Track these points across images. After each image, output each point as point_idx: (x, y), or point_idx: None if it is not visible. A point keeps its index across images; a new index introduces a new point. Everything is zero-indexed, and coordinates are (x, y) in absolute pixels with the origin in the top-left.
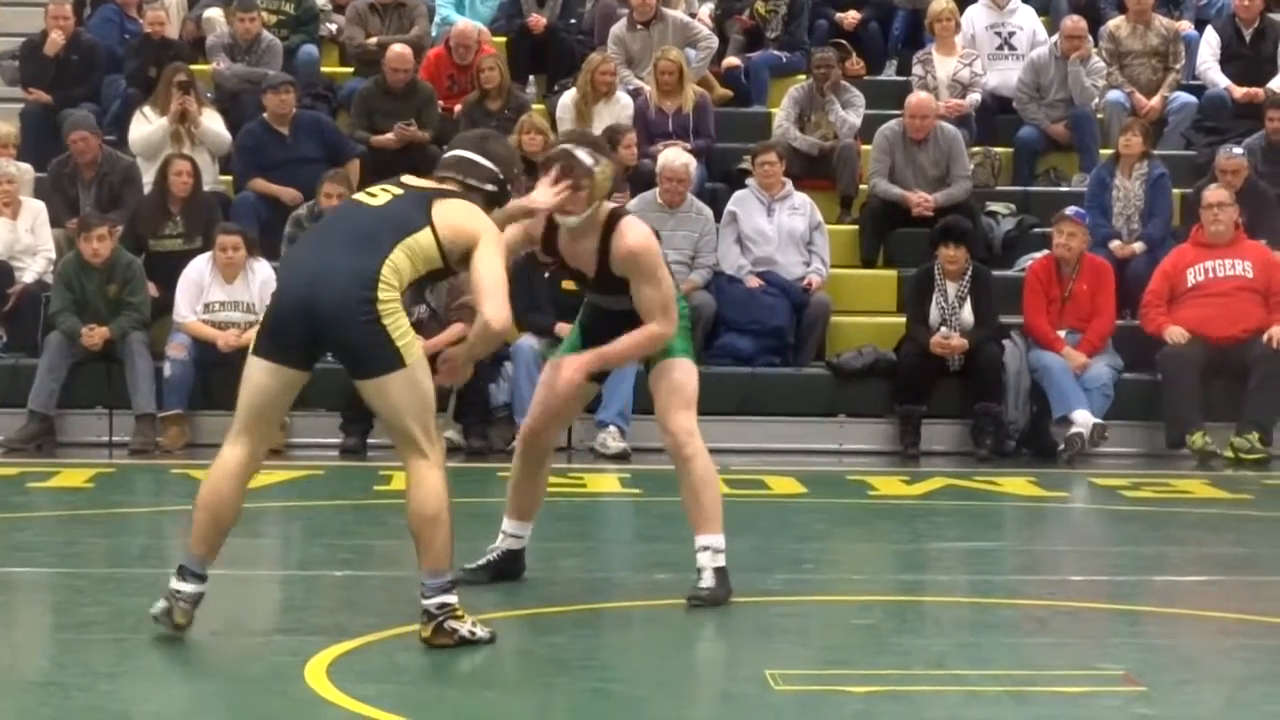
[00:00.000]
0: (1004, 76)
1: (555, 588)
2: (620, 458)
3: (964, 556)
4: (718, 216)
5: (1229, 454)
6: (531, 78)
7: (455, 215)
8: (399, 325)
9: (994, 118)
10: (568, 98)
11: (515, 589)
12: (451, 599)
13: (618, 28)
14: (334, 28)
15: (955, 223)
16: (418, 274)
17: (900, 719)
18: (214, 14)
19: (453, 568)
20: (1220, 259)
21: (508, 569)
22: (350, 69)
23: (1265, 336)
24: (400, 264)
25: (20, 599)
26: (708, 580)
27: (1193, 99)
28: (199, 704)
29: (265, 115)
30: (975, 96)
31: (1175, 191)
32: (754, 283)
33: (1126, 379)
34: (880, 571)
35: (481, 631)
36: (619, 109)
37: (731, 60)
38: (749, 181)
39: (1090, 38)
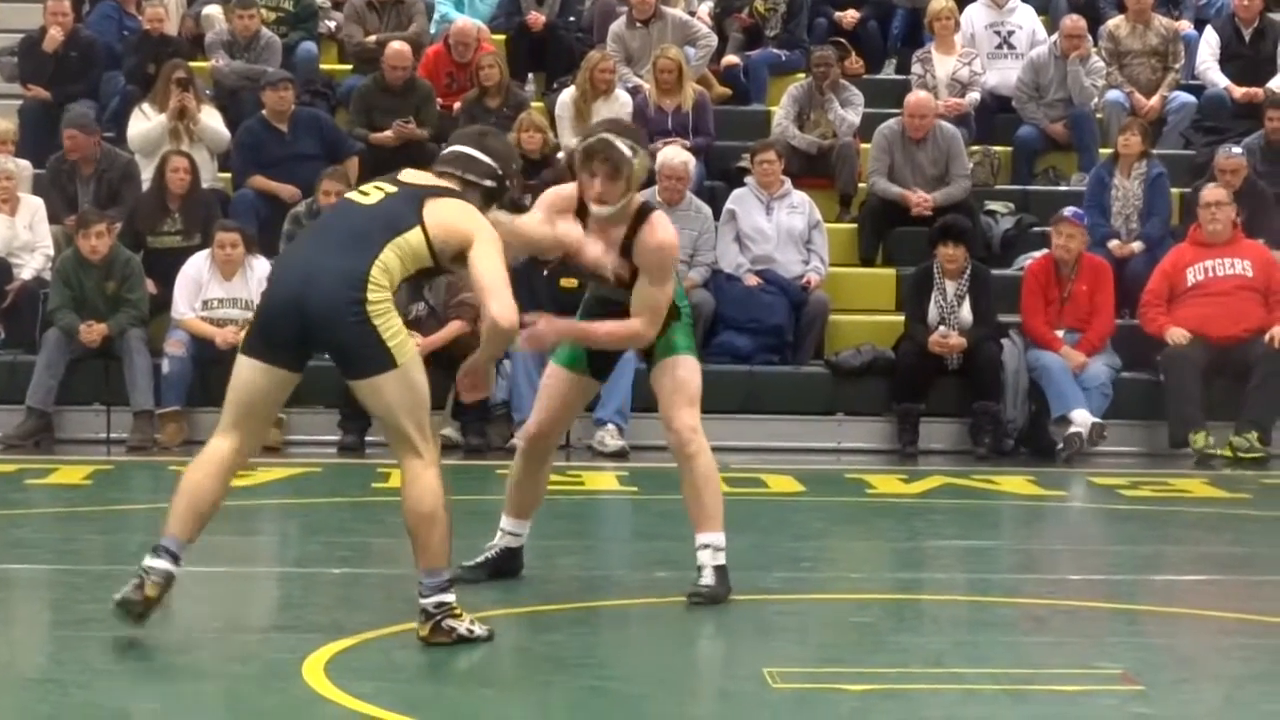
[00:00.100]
0: (1003, 75)
1: (553, 585)
2: (618, 455)
3: (962, 555)
4: (717, 215)
5: (1227, 453)
6: (530, 75)
7: (447, 214)
8: (390, 325)
9: (993, 117)
10: (567, 95)
11: (513, 587)
12: (449, 598)
13: (617, 25)
14: (333, 25)
15: (954, 222)
16: (408, 273)
17: (897, 717)
18: (213, 11)
19: (450, 566)
20: (1220, 258)
21: (505, 567)
22: (349, 66)
23: (1267, 336)
24: (390, 263)
25: (18, 596)
26: (708, 578)
27: (1192, 99)
28: (196, 701)
29: (264, 112)
30: (974, 95)
31: (1174, 191)
32: (753, 281)
33: (1125, 378)
34: (878, 570)
35: (480, 629)
36: (618, 107)
37: (730, 58)
38: (748, 180)
39: (1090, 37)
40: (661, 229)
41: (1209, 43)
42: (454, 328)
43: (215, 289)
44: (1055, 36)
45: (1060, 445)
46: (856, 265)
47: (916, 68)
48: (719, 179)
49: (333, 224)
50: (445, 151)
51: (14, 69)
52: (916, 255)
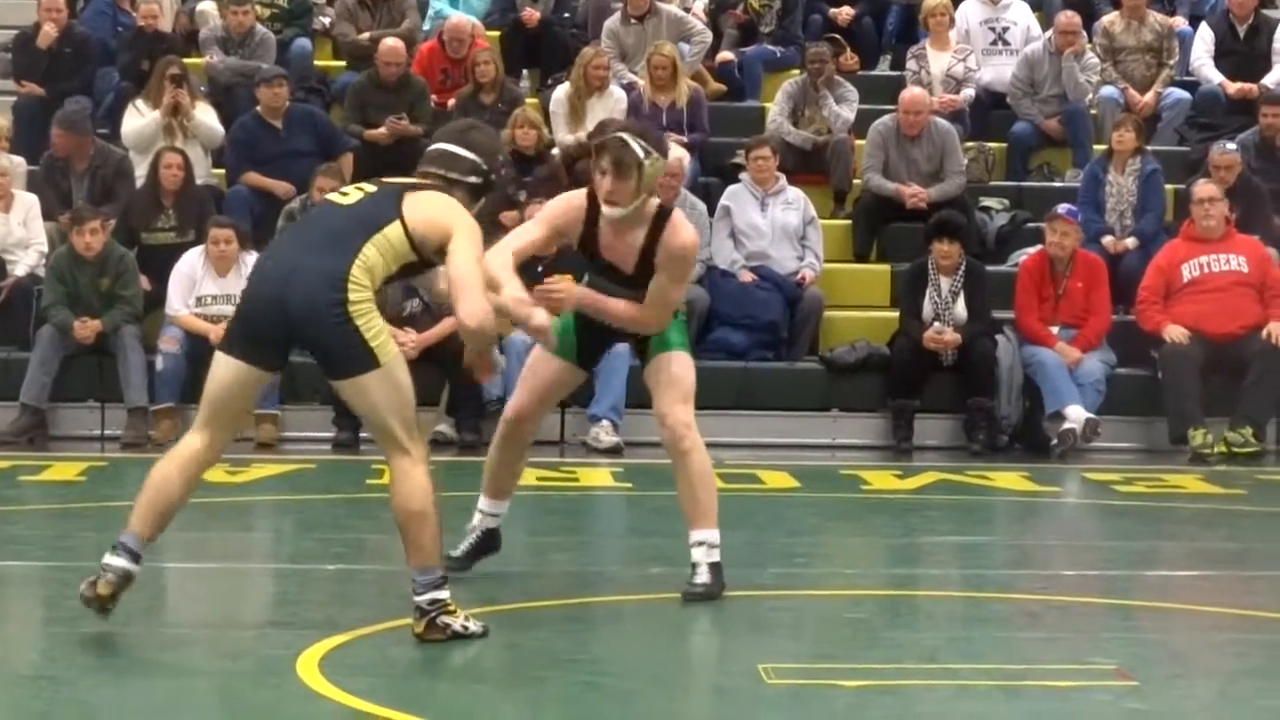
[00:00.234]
0: (998, 72)
1: (547, 582)
2: (613, 452)
3: (956, 551)
4: (711, 211)
5: (1222, 448)
6: (525, 72)
7: (427, 207)
8: (372, 325)
9: (988, 113)
10: (561, 92)
11: (507, 582)
12: (443, 594)
13: (611, 22)
14: (327, 21)
15: (949, 218)
16: (390, 270)
17: (892, 713)
18: (207, 7)
19: (442, 562)
20: (1215, 254)
21: (487, 546)
22: (343, 63)
23: (1265, 333)
24: (372, 262)
25: (11, 593)
26: (703, 576)
27: (1186, 95)
28: (191, 697)
29: (258, 108)
30: (969, 92)
31: (1169, 187)
32: (747, 277)
33: (1119, 374)
34: (873, 566)
35: (474, 626)
36: (612, 103)
37: (725, 55)
38: (742, 176)
39: (1084, 33)
40: (685, 230)
41: (1203, 39)
42: (449, 324)
43: (209, 285)
44: (1050, 32)
45: (1054, 441)
46: (851, 261)
47: (911, 64)
48: (714, 175)
49: (313, 224)
50: (429, 150)
51: (8, 65)
52: (911, 251)
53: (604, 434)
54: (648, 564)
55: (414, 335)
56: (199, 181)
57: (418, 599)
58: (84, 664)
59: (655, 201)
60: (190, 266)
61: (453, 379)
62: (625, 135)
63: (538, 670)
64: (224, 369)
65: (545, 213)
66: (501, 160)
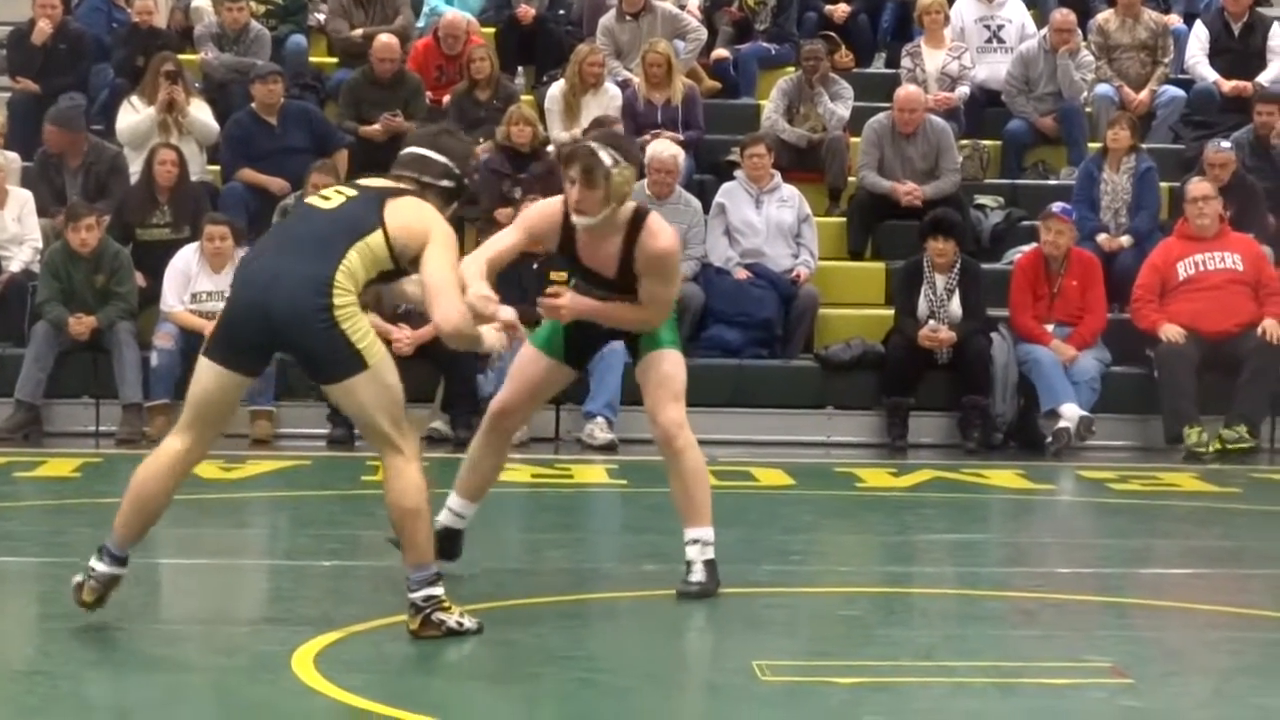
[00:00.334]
0: (993, 69)
1: (542, 578)
2: (608, 449)
3: (951, 548)
4: (706, 208)
5: (1216, 445)
6: (520, 68)
7: (407, 215)
8: (358, 328)
9: (982, 111)
10: (556, 89)
11: (502, 579)
12: (438, 590)
13: (606, 19)
14: (322, 17)
15: (944, 215)
16: (370, 276)
17: (887, 710)
18: (202, 3)
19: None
20: (1209, 252)
21: (446, 549)
22: (338, 60)
23: (1260, 329)
24: (354, 267)
25: (7, 588)
26: (698, 574)
27: (1181, 93)
28: (186, 693)
29: (253, 105)
30: (964, 89)
31: (1163, 185)
32: (742, 275)
33: (1114, 372)
34: (867, 563)
35: (469, 622)
36: (607, 100)
37: (720, 52)
38: (737, 173)
39: (1079, 31)
40: (663, 235)
41: (1198, 37)
42: None
43: (204, 282)
44: (1045, 30)
45: (1049, 439)
46: (846, 259)
47: (906, 61)
48: (708, 172)
49: (295, 229)
50: (401, 154)
51: (2, 61)
52: (906, 249)
53: (599, 431)
54: (643, 561)
55: (408, 332)
56: (194, 178)
57: (412, 595)
58: (79, 659)
59: (630, 207)
60: (185, 263)
61: (448, 376)
62: (594, 144)
63: (533, 667)
64: (207, 375)
65: (522, 219)
66: (473, 164)
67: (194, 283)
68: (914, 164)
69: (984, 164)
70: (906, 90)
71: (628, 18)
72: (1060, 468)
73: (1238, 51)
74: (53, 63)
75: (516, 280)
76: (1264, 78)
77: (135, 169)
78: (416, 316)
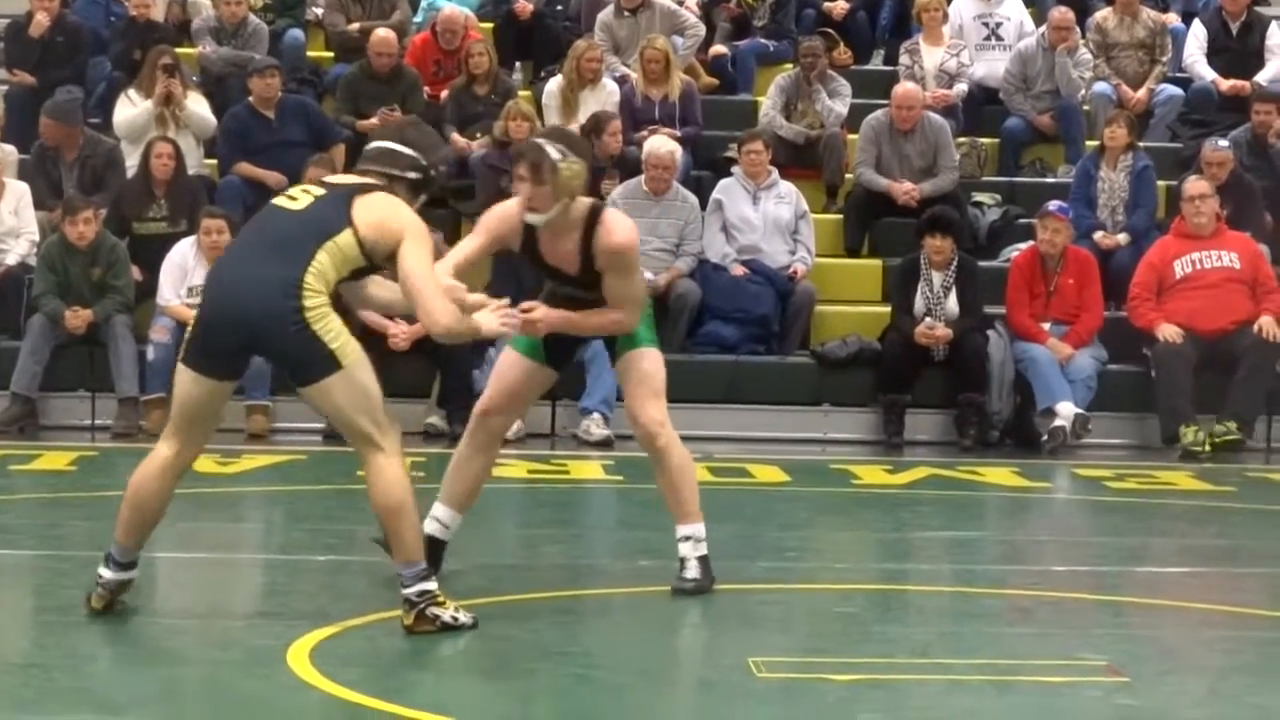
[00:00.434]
0: (991, 67)
1: (538, 574)
2: (603, 445)
3: (947, 546)
4: (703, 204)
5: (1209, 442)
6: (518, 64)
7: (377, 212)
8: (330, 328)
9: (980, 108)
10: (554, 84)
11: (498, 575)
12: (431, 585)
13: (605, 14)
14: (320, 12)
15: (942, 213)
16: (342, 275)
17: (883, 707)
18: None
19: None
20: (1207, 250)
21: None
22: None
23: (1256, 326)
24: (325, 268)
25: (2, 582)
26: (692, 571)
27: (1179, 91)
28: (181, 687)
29: (251, 99)
30: (962, 87)
31: (1160, 184)
32: (739, 271)
33: (1111, 370)
34: (863, 560)
35: (464, 617)
36: (605, 96)
37: (718, 48)
38: (735, 170)
39: (1078, 29)
40: (619, 230)
41: (1196, 36)
42: None
43: (201, 276)
44: (1043, 28)
45: (1045, 437)
46: (843, 256)
47: (904, 59)
48: (706, 169)
49: (263, 231)
50: (368, 149)
51: (0, 54)
52: (903, 246)
53: (595, 427)
54: (638, 557)
55: (404, 327)
56: (191, 172)
57: (406, 592)
58: (75, 652)
59: (586, 203)
60: (182, 257)
61: (444, 371)
62: (541, 141)
63: (528, 662)
64: (186, 382)
65: (483, 222)
66: (440, 156)
67: (190, 276)
68: (912, 161)
69: (981, 161)
70: (905, 87)
71: (626, 13)
72: (1056, 466)
73: (1236, 50)
74: (50, 56)
75: (515, 277)
76: (1262, 77)
77: (132, 163)
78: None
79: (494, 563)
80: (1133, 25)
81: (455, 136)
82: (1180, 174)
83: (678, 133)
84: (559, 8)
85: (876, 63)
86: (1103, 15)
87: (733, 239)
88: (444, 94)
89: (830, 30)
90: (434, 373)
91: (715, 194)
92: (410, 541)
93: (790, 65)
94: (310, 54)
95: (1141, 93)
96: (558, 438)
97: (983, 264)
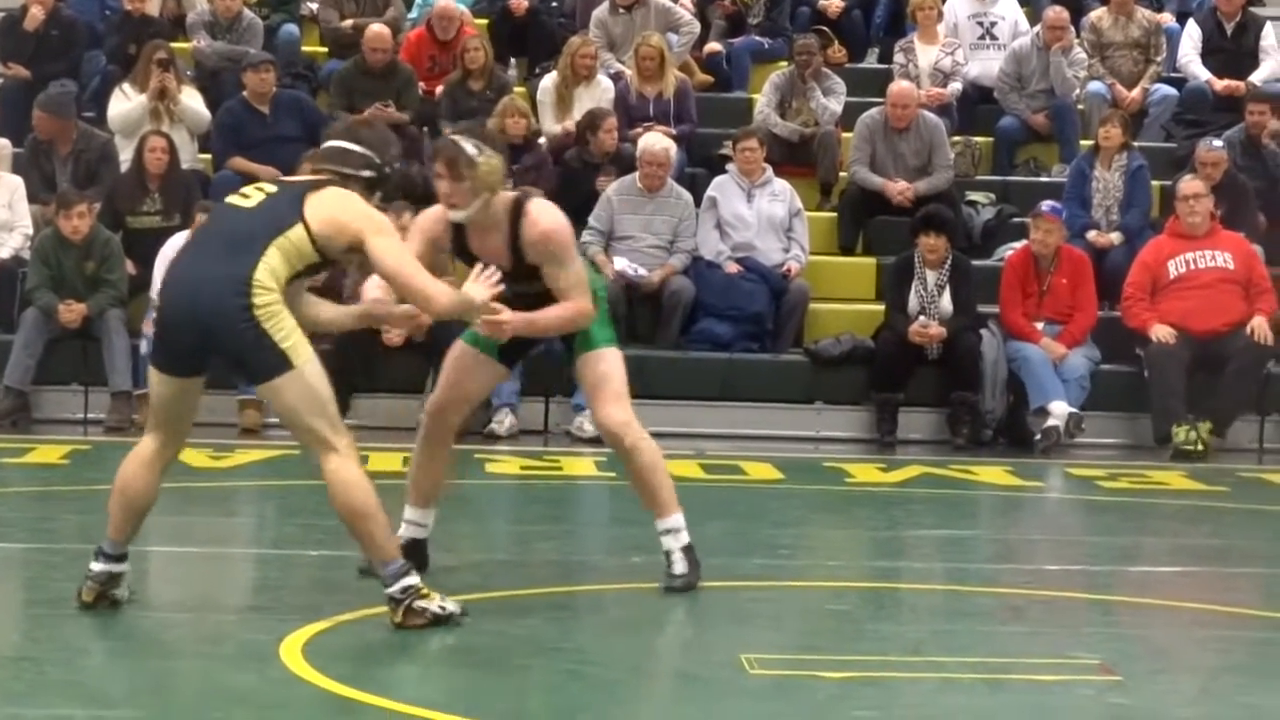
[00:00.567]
0: (985, 66)
1: (531, 570)
2: (596, 441)
3: (940, 544)
4: (697, 202)
5: (1199, 444)
6: (513, 60)
7: (329, 208)
8: (281, 327)
9: (975, 107)
10: (548, 81)
11: (491, 571)
12: (414, 580)
13: (599, 11)
14: (314, 7)
15: (937, 211)
16: (295, 271)
17: (875, 704)
18: None
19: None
20: (1201, 250)
21: (414, 561)
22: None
23: (1248, 328)
24: (276, 265)
25: None
26: (679, 566)
27: (1173, 91)
28: (173, 681)
29: (245, 94)
30: (956, 86)
31: (1155, 183)
32: (733, 268)
33: (1104, 370)
34: (856, 558)
35: (452, 606)
36: (599, 93)
37: (713, 45)
38: (729, 167)
39: (1072, 29)
40: (543, 218)
41: (1191, 36)
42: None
43: None
44: (1038, 28)
45: (1038, 436)
46: (837, 254)
47: (899, 57)
48: (700, 166)
49: (215, 230)
50: (320, 149)
51: None
52: (897, 245)
53: (588, 423)
54: (631, 553)
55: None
56: (185, 166)
57: (389, 590)
58: (67, 645)
59: (508, 196)
60: (175, 251)
61: (437, 366)
62: (456, 137)
63: (522, 658)
64: (156, 381)
65: (415, 225)
66: (393, 153)
67: None
68: (906, 160)
69: (976, 160)
70: (899, 86)
71: (620, 10)
72: (1049, 465)
73: (1230, 51)
74: (44, 49)
75: None
76: (1256, 77)
77: (126, 157)
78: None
79: (487, 559)
80: (1127, 25)
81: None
82: (1174, 174)
83: (672, 130)
84: (554, 4)
85: (871, 61)
86: (1097, 15)
87: (727, 236)
88: (439, 89)
89: (825, 28)
90: (427, 368)
91: (710, 191)
92: (382, 541)
93: (785, 63)
94: (305, 49)
95: (1136, 92)
96: (551, 434)
97: (976, 263)
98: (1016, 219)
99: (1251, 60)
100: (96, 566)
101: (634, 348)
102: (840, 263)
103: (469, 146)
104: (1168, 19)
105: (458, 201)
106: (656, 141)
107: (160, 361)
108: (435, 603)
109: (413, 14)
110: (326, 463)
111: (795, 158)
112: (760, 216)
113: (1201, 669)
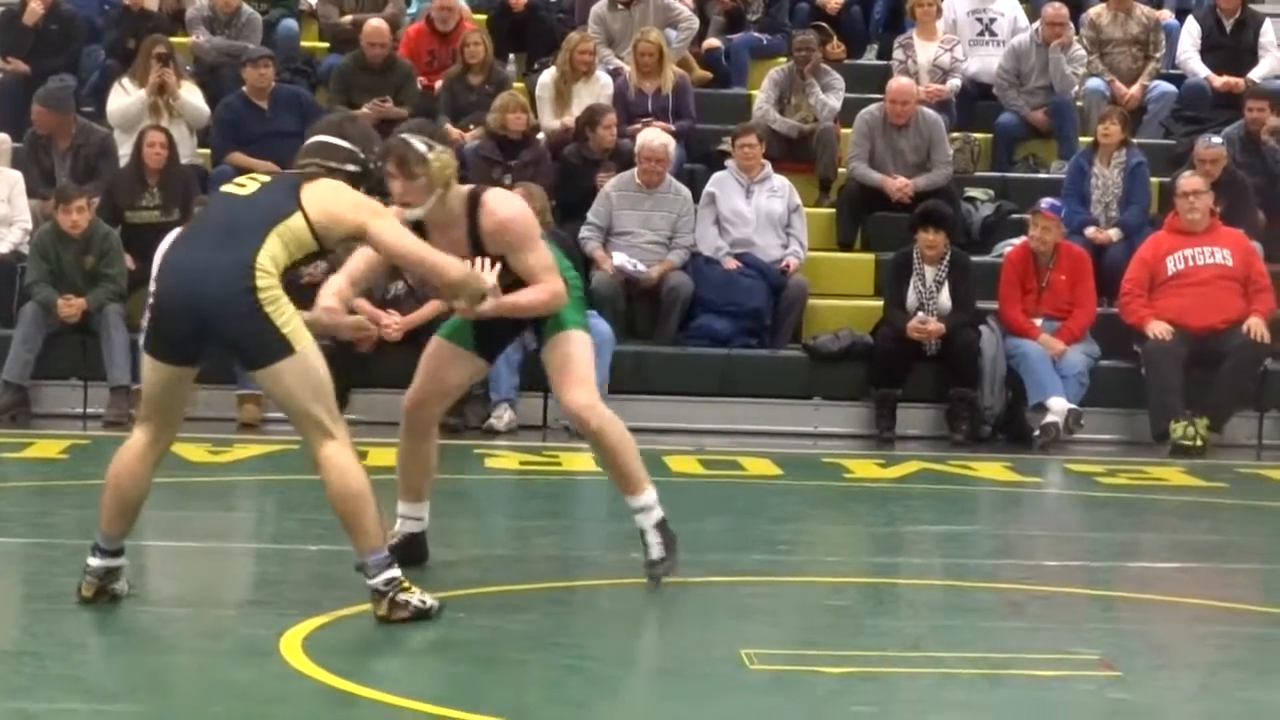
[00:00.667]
0: (984, 62)
1: (529, 565)
2: None
3: (939, 540)
4: (696, 197)
5: (1198, 440)
6: (511, 56)
7: (326, 197)
8: (282, 312)
9: (974, 104)
10: (547, 77)
11: (490, 566)
12: (396, 572)
13: (598, 7)
14: (314, 2)
15: (936, 207)
16: (293, 259)
17: (875, 700)
18: None
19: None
20: (1200, 247)
21: (410, 554)
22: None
23: (1245, 327)
24: (275, 251)
25: None
26: (655, 550)
27: (1172, 88)
28: (173, 675)
29: (244, 89)
30: (955, 82)
31: (1154, 180)
32: (732, 264)
33: (1103, 366)
34: (855, 554)
35: (430, 600)
36: (598, 89)
37: (712, 41)
38: (728, 163)
39: (1071, 25)
40: (500, 208)
41: (1190, 32)
42: (433, 306)
43: None
44: (1037, 24)
45: (1037, 432)
46: (835, 250)
47: (898, 53)
48: (699, 162)
49: (213, 218)
50: (305, 144)
51: None
52: (895, 241)
53: None
54: (630, 548)
55: (398, 317)
56: (184, 161)
57: (373, 582)
58: (67, 640)
59: (464, 191)
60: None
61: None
62: (406, 135)
63: (520, 653)
64: (150, 369)
65: (357, 251)
66: (378, 149)
67: None
68: (905, 156)
69: (975, 157)
70: (898, 82)
71: (619, 6)
72: (1048, 461)
73: (1229, 47)
74: (44, 44)
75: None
76: (1255, 74)
77: (125, 151)
78: (406, 302)
79: (485, 554)
80: (1126, 21)
81: (449, 127)
82: (1173, 170)
83: (671, 126)
84: (552, 0)
85: (870, 57)
86: (1096, 11)
87: (725, 232)
88: (438, 84)
89: (824, 24)
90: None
91: (708, 187)
92: (371, 530)
93: (784, 59)
94: (304, 44)
95: (1135, 89)
96: (550, 429)
97: (975, 259)
98: (1015, 215)
99: (1251, 57)
100: (94, 562)
101: (633, 343)
102: (839, 259)
103: (419, 144)
104: (1167, 15)
105: (411, 200)
106: (655, 137)
107: (155, 349)
108: (416, 596)
109: (412, 9)
110: (323, 448)
111: (794, 154)
112: (759, 212)
113: (1201, 664)
